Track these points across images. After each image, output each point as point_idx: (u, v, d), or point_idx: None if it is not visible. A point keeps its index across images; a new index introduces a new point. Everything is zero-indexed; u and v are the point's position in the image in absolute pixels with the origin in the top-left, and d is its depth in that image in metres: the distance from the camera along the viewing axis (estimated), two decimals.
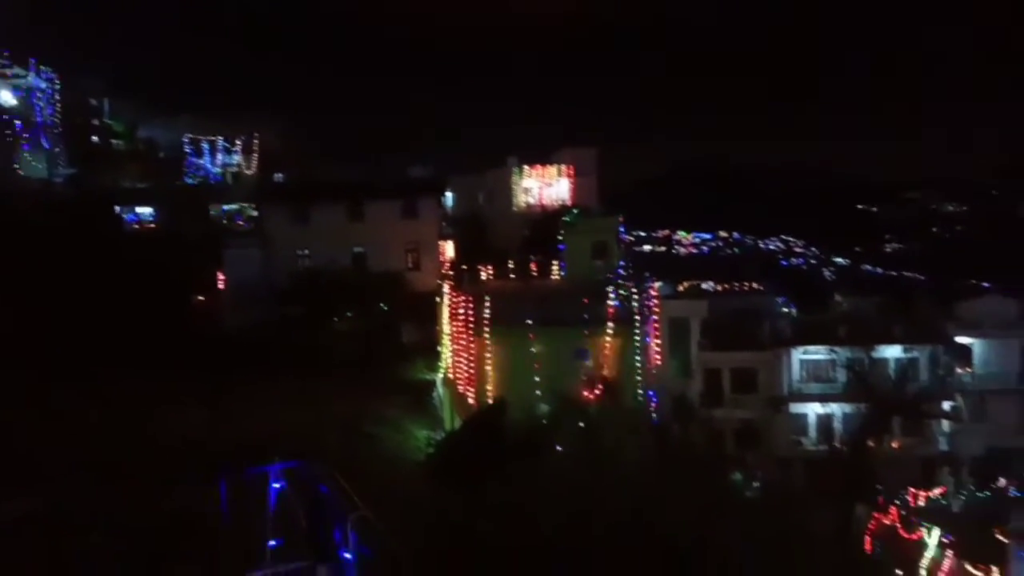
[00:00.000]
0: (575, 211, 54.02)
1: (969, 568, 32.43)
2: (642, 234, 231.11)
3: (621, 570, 15.14)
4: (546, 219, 54.95)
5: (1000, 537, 33.85)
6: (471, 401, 38.66)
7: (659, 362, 45.31)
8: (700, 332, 48.86)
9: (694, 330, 48.94)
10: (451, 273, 47.22)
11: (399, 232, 50.80)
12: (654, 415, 42.54)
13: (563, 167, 60.32)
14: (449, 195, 59.31)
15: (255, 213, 58.17)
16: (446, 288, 45.89)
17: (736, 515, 23.78)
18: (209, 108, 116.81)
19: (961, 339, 48.34)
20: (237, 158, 78.74)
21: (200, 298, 48.77)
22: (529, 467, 22.76)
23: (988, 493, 43.38)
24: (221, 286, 48.80)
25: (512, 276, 44.36)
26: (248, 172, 77.42)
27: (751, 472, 40.24)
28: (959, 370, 48.36)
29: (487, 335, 39.58)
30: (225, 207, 63.73)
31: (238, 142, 79.14)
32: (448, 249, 53.35)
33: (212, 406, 28.59)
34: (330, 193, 52.38)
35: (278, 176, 65.48)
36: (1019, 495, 42.01)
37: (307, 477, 14.92)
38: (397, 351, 44.40)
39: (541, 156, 61.28)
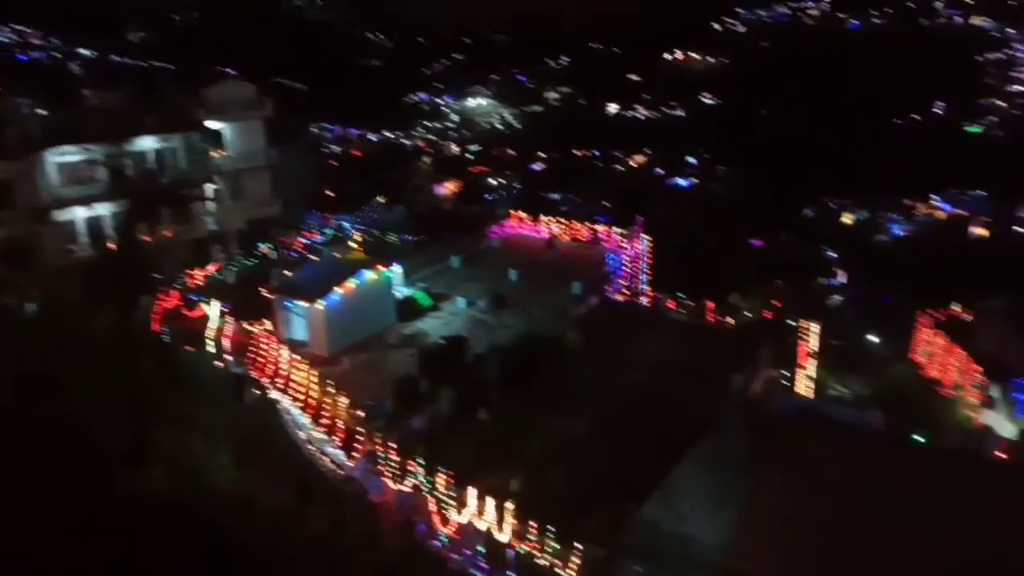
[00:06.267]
0: None
1: (247, 326, 36.79)
2: None
3: None
4: None
5: (266, 294, 39.29)
6: None
7: None
8: None
9: None
10: None
11: None
12: None
13: None
14: None
15: None
16: None
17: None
18: None
19: (212, 124, 51.36)
20: None
21: None
22: None
23: (254, 260, 49.43)
24: None
25: None
26: None
27: (25, 291, 37.29)
28: (214, 154, 51.77)
29: None
30: None
31: None
32: None
33: None
34: None
35: None
36: (275, 256, 49.07)
37: None
38: None
39: None
